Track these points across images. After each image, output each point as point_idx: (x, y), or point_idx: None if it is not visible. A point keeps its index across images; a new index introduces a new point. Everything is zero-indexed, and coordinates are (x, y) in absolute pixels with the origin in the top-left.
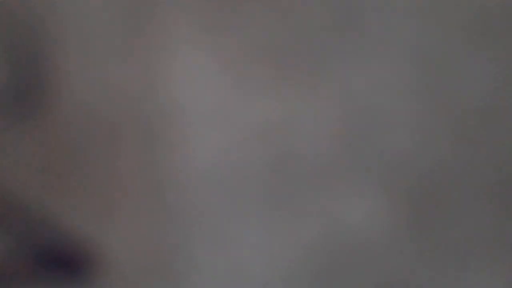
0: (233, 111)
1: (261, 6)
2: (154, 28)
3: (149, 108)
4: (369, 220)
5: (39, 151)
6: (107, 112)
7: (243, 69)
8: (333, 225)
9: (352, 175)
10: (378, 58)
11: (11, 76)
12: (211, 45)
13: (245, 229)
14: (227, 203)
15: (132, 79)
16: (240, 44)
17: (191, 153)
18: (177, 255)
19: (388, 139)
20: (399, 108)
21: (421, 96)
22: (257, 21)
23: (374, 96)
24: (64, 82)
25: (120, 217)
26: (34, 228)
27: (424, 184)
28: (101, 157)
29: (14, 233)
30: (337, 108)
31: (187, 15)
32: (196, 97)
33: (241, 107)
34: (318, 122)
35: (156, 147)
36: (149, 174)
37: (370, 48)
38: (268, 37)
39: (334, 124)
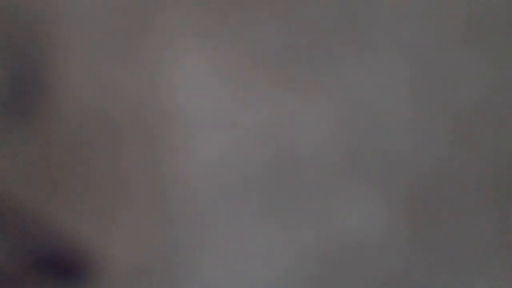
0: (233, 113)
1: (262, 10)
2: (155, 30)
3: (150, 110)
4: (368, 222)
5: (38, 153)
6: (108, 113)
7: (244, 72)
8: (332, 227)
9: (351, 177)
10: (378, 61)
11: (11, 77)
12: (212, 48)
13: (245, 231)
14: (227, 205)
15: (133, 81)
16: (241, 47)
17: (192, 155)
18: (177, 257)
19: (387, 142)
20: (399, 111)
21: (422, 99)
22: (258, 24)
23: (374, 99)
24: (64, 83)
25: (121, 219)
26: (33, 231)
27: (423, 187)
28: (101, 159)
29: (12, 235)
30: (336, 111)
31: (189, 17)
32: (197, 99)
33: (241, 109)
34: (318, 125)
35: (156, 149)
36: (149, 176)
37: (370, 51)
38: (268, 40)
39: (334, 127)
